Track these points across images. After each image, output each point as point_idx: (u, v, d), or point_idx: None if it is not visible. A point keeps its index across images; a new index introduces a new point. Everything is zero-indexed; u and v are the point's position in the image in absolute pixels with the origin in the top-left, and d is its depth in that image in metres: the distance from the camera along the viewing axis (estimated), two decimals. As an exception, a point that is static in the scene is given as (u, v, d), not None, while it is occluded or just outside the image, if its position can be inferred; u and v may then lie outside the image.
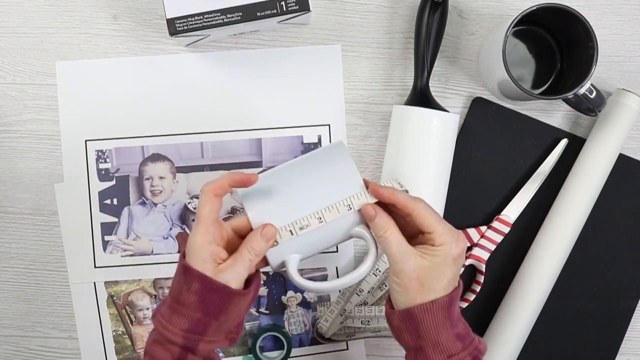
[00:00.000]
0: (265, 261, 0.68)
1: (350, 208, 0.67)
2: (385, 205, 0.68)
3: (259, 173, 0.68)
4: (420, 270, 0.65)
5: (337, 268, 0.88)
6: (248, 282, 0.68)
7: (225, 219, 0.73)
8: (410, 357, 0.67)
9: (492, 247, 0.85)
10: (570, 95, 0.78)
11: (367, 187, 0.68)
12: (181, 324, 0.64)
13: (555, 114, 0.88)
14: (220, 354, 0.88)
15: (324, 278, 0.88)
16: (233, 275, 0.65)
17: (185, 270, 0.65)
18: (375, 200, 0.68)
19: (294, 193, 0.68)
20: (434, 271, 0.65)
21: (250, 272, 0.67)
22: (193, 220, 0.87)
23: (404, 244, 0.66)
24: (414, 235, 0.69)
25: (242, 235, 0.68)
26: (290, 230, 0.67)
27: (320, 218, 0.67)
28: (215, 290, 0.64)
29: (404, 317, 0.65)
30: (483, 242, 0.85)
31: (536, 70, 0.86)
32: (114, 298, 0.87)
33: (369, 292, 0.84)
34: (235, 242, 0.67)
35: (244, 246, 0.65)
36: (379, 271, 0.83)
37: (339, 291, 0.85)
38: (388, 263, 0.67)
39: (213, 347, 0.66)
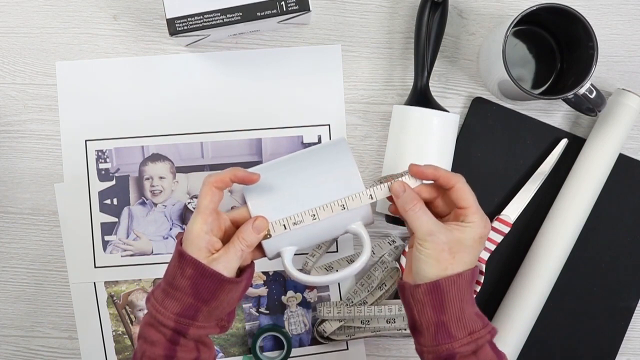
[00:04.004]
0: (261, 252, 0.71)
1: (344, 208, 0.69)
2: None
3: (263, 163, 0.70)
4: (451, 241, 0.66)
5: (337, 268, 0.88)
6: (243, 272, 0.70)
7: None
8: (427, 336, 0.66)
9: (492, 247, 0.85)
10: (570, 95, 0.78)
11: (409, 172, 0.70)
12: (173, 307, 0.66)
13: (555, 114, 0.88)
14: (220, 354, 0.88)
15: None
16: (225, 264, 0.67)
17: (180, 256, 0.67)
18: (387, 195, 0.70)
19: (294, 188, 0.69)
20: (463, 245, 0.67)
21: (243, 262, 0.69)
22: (193, 220, 0.87)
23: (433, 218, 0.68)
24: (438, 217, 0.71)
25: (240, 226, 0.69)
26: (284, 225, 0.68)
27: (314, 215, 0.68)
28: (207, 277, 0.66)
29: (431, 289, 0.66)
30: (483, 242, 0.85)
31: (536, 70, 0.86)
32: (114, 298, 0.87)
33: (362, 284, 0.84)
34: (232, 233, 0.69)
35: (236, 237, 0.68)
36: (374, 254, 0.83)
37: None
38: (416, 237, 0.68)
39: (204, 332, 0.68)
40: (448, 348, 0.65)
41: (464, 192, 0.68)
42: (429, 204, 0.71)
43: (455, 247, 0.66)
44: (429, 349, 0.66)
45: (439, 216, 0.71)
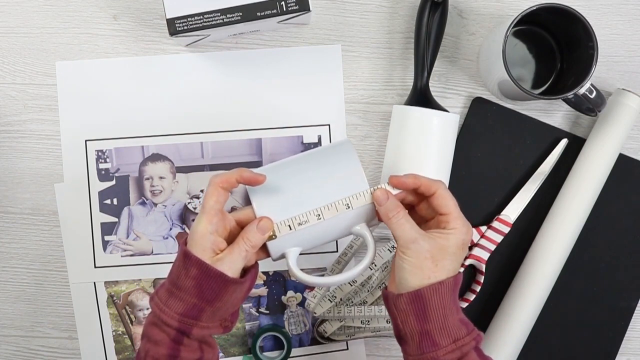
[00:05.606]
0: (265, 252, 0.70)
1: (349, 207, 0.69)
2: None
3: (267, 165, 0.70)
4: (434, 249, 0.66)
5: (337, 268, 0.88)
6: (247, 273, 0.70)
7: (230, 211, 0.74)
8: (412, 345, 0.66)
9: (492, 247, 0.85)
10: (570, 95, 0.78)
11: (390, 184, 0.70)
12: (177, 307, 0.66)
13: (555, 114, 0.88)
14: (220, 354, 0.88)
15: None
16: (230, 265, 0.67)
17: (185, 256, 0.67)
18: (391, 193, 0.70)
19: (298, 188, 0.69)
20: (446, 252, 0.67)
21: (247, 262, 0.69)
22: (193, 220, 0.87)
23: (416, 226, 0.68)
24: (419, 224, 0.70)
25: (244, 227, 0.69)
26: (289, 225, 0.68)
27: (319, 215, 0.68)
28: (212, 277, 0.66)
29: (413, 298, 0.66)
30: (483, 242, 0.85)
31: (536, 70, 0.86)
32: (114, 298, 0.87)
33: (362, 284, 0.84)
34: (237, 234, 0.69)
35: (241, 237, 0.68)
36: (375, 265, 0.83)
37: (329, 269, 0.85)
38: (398, 245, 0.68)
39: (207, 332, 0.68)
40: (433, 356, 0.65)
41: (444, 198, 0.68)
42: (413, 208, 0.71)
43: (438, 255, 0.66)
44: (415, 358, 0.66)
45: (424, 220, 0.71)
